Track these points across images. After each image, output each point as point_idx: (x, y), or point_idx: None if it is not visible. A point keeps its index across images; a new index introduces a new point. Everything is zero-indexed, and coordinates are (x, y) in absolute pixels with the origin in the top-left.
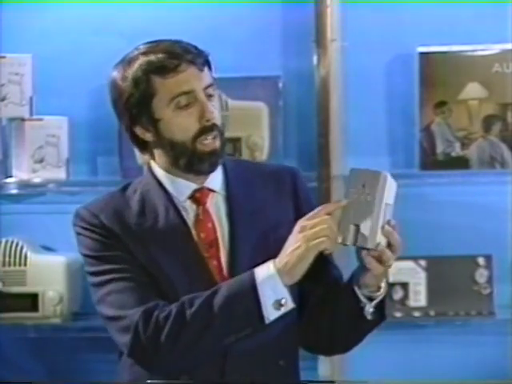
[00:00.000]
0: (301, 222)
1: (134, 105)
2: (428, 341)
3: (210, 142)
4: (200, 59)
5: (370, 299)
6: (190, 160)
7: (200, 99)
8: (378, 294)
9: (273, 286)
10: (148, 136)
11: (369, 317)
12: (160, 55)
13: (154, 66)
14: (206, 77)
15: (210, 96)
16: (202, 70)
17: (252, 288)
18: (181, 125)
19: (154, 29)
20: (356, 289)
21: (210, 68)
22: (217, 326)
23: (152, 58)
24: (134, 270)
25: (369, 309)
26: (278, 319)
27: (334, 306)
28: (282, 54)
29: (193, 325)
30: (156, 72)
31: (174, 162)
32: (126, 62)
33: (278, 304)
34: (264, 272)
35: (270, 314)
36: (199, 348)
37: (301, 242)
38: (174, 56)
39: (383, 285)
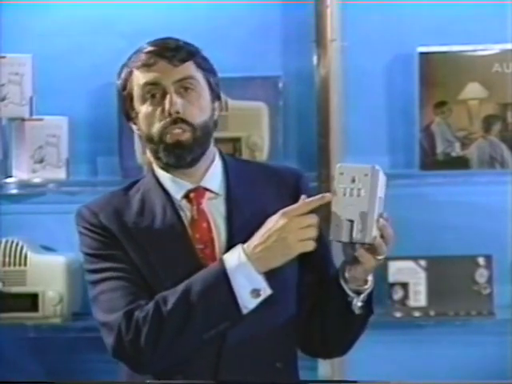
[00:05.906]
0: (284, 217)
1: (123, 101)
2: (428, 341)
3: (175, 134)
4: (179, 54)
5: (357, 293)
6: (158, 152)
7: (167, 92)
8: (366, 287)
9: (246, 274)
10: (138, 132)
11: (357, 311)
12: (143, 53)
13: (135, 63)
14: (184, 70)
15: (186, 89)
16: (176, 65)
17: (224, 279)
18: (148, 117)
19: (154, 29)
20: (343, 283)
21: (199, 64)
22: (194, 322)
23: (138, 55)
24: (128, 269)
25: (356, 303)
26: (274, 320)
27: (323, 304)
28: (282, 54)
29: (170, 323)
30: (136, 68)
31: (155, 157)
32: (126, 61)
33: (256, 293)
34: (234, 261)
35: (248, 303)
36: (180, 346)
37: (286, 241)
38: (151, 52)
39: (370, 278)
